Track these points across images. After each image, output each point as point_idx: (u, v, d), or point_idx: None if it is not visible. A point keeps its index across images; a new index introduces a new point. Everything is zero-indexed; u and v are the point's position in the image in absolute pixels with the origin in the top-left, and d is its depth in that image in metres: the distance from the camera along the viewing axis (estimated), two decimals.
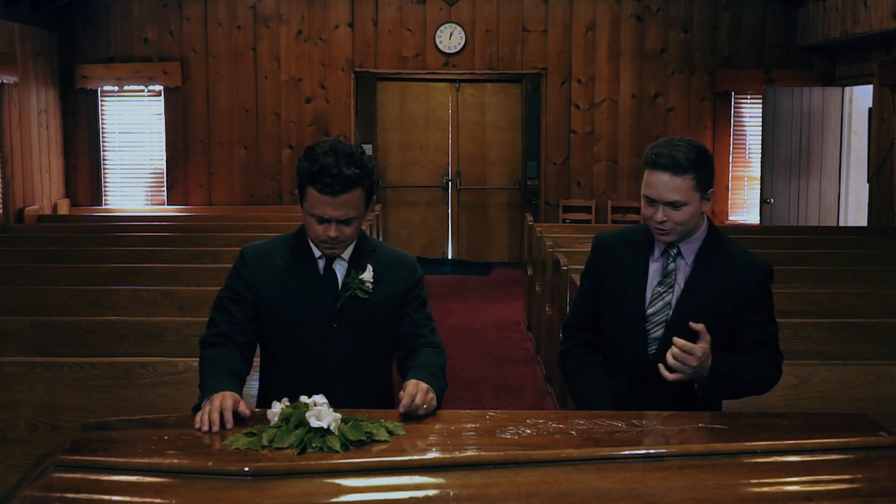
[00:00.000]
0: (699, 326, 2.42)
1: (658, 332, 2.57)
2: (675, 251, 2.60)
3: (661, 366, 2.44)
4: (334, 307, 2.52)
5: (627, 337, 2.61)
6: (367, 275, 2.53)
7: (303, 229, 2.59)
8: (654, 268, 2.61)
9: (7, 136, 7.95)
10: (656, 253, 2.62)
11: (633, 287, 2.60)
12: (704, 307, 2.54)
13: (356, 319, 2.53)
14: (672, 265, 2.60)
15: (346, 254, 2.56)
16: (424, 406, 2.29)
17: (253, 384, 2.77)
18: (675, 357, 2.40)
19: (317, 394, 2.18)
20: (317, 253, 2.56)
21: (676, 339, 2.41)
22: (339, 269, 2.55)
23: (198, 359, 2.53)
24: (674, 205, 2.49)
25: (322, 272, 2.54)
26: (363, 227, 2.65)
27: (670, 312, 2.57)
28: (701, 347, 2.39)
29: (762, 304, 2.58)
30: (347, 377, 2.53)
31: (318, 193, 2.40)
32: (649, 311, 2.59)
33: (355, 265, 2.55)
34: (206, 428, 2.17)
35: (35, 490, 1.87)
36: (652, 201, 2.52)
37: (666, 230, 2.53)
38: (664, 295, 2.58)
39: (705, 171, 2.51)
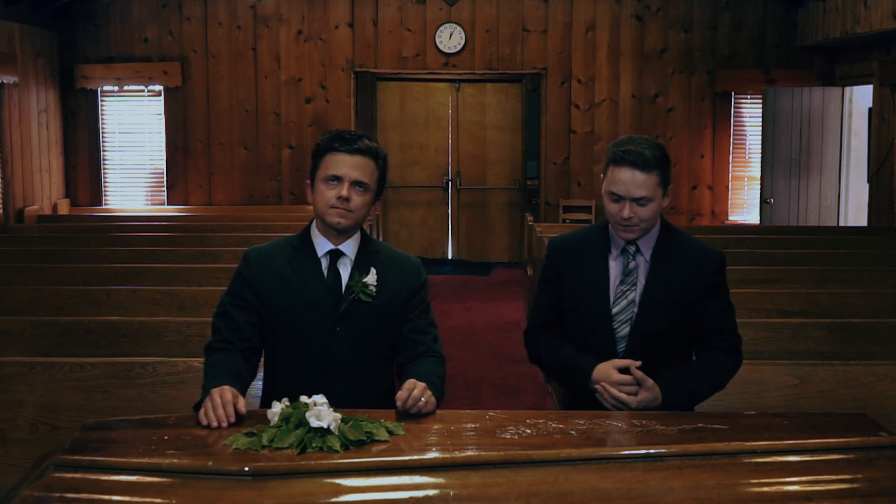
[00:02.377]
0: (629, 363, 2.53)
1: (624, 331, 2.63)
2: (633, 249, 2.66)
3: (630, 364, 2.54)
4: (337, 310, 2.52)
5: (595, 337, 2.65)
6: (371, 278, 2.53)
7: (307, 230, 2.59)
8: (615, 267, 2.67)
9: (7, 136, 7.94)
10: (615, 252, 2.67)
11: (596, 287, 2.65)
12: (667, 300, 2.61)
13: (359, 322, 2.53)
14: (633, 263, 2.65)
15: (351, 253, 2.56)
16: (423, 399, 2.30)
17: (257, 384, 2.77)
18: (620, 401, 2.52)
19: (319, 395, 2.19)
20: (320, 251, 2.56)
21: (610, 389, 2.51)
22: (343, 271, 2.55)
23: (198, 359, 2.54)
24: (640, 201, 2.55)
25: (326, 275, 2.54)
26: (363, 227, 2.66)
27: (635, 310, 2.62)
28: (635, 400, 2.50)
29: (719, 290, 2.67)
30: (350, 380, 2.54)
31: (335, 153, 2.48)
32: (614, 309, 2.64)
33: (359, 267, 2.55)
34: (214, 424, 2.18)
35: (35, 490, 1.87)
36: (618, 198, 2.57)
37: (632, 226, 2.58)
38: (627, 293, 2.64)
39: (667, 168, 2.60)
